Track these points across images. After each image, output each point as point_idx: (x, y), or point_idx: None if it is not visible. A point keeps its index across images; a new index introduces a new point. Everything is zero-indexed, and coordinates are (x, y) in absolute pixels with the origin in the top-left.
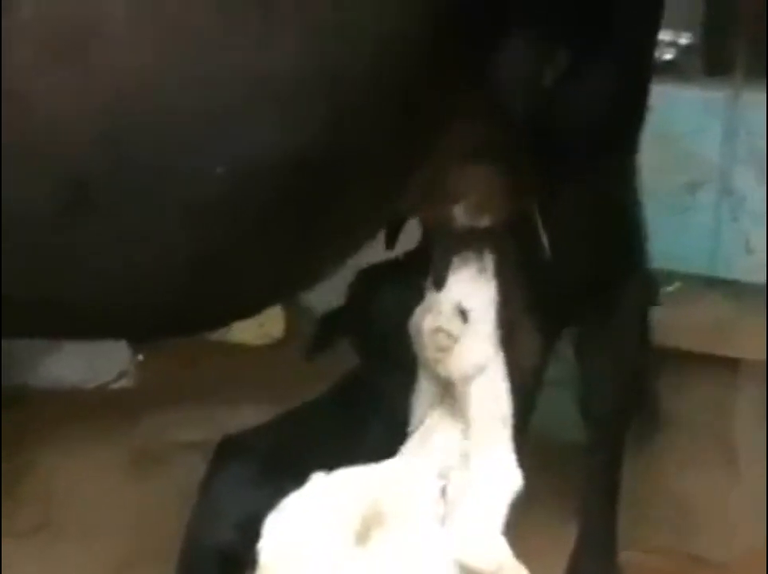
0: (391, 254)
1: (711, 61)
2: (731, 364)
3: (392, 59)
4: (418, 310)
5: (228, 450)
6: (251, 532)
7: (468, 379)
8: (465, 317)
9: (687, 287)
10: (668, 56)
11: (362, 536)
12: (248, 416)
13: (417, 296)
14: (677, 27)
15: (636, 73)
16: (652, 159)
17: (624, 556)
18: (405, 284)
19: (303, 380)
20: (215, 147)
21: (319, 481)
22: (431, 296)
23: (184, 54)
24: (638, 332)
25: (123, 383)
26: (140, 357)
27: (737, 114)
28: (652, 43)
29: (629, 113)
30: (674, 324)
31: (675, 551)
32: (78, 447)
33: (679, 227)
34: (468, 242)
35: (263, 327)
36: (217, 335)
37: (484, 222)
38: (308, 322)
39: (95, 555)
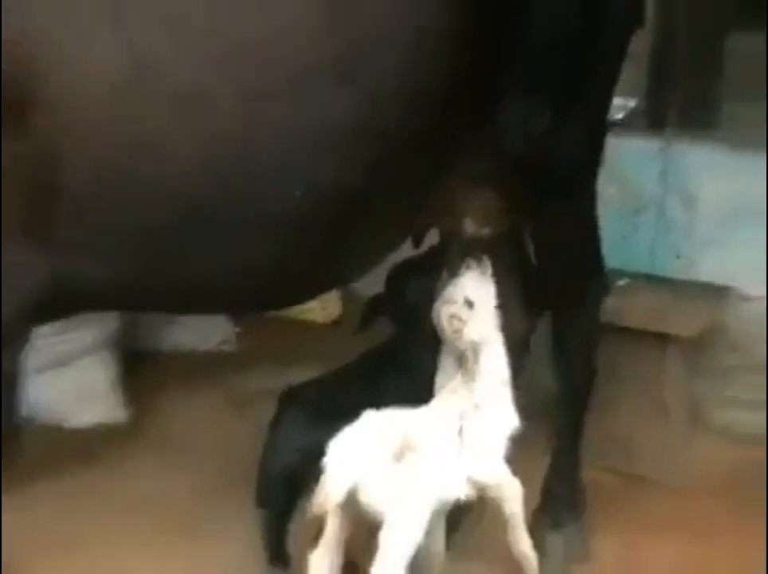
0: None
1: (651, 120)
2: (664, 338)
3: (418, 115)
4: (438, 302)
5: (287, 397)
6: (305, 456)
7: (476, 351)
8: (471, 306)
9: (633, 282)
10: (620, 115)
11: (398, 456)
12: (313, 374)
13: (437, 285)
14: (626, 94)
15: (597, 127)
16: (608, 190)
17: (585, 476)
18: (428, 275)
19: (354, 348)
20: (292, 179)
21: (369, 417)
22: (447, 290)
23: (271, 118)
24: (598, 314)
25: (225, 347)
26: (237, 329)
27: (669, 158)
28: (609, 105)
29: (592, 155)
30: (623, 308)
31: (623, 472)
32: (191, 394)
33: (628, 239)
34: (474, 248)
35: (325, 309)
36: (293, 313)
37: (486, 232)
38: (359, 304)
39: (203, 471)
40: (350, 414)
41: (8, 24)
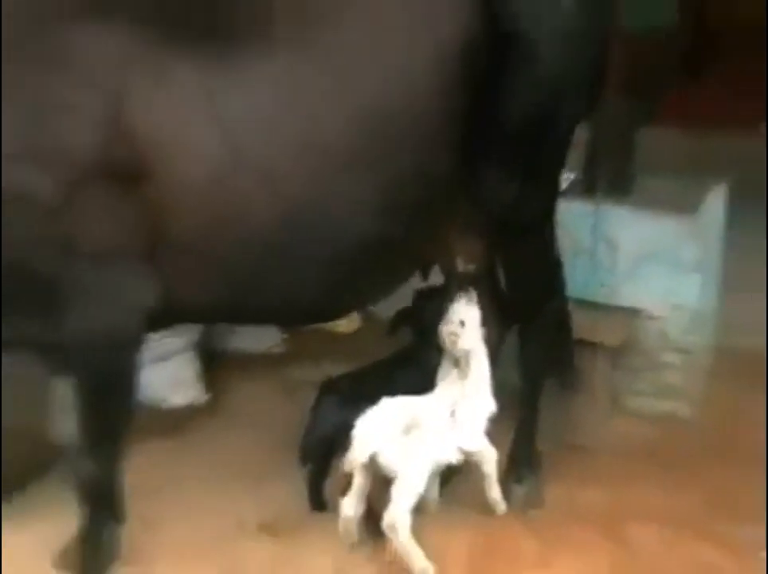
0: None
1: (586, 188)
2: (594, 346)
3: (426, 187)
4: (441, 323)
5: (325, 386)
6: (337, 429)
7: (467, 357)
8: (463, 325)
9: (572, 305)
10: (564, 185)
11: (407, 431)
12: (340, 369)
13: (444, 307)
14: (569, 169)
15: (552, 192)
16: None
17: (540, 445)
18: (438, 299)
19: (369, 352)
20: (340, 232)
21: (386, 402)
22: (447, 314)
23: (326, 190)
24: (555, 328)
25: (275, 349)
26: (284, 336)
27: (598, 216)
28: (560, 176)
29: (548, 212)
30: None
31: (565, 442)
32: (252, 383)
33: (569, 275)
34: (464, 282)
35: (349, 322)
36: (325, 326)
37: (471, 268)
38: (373, 320)
39: (263, 439)
40: (372, 399)
41: (129, 121)
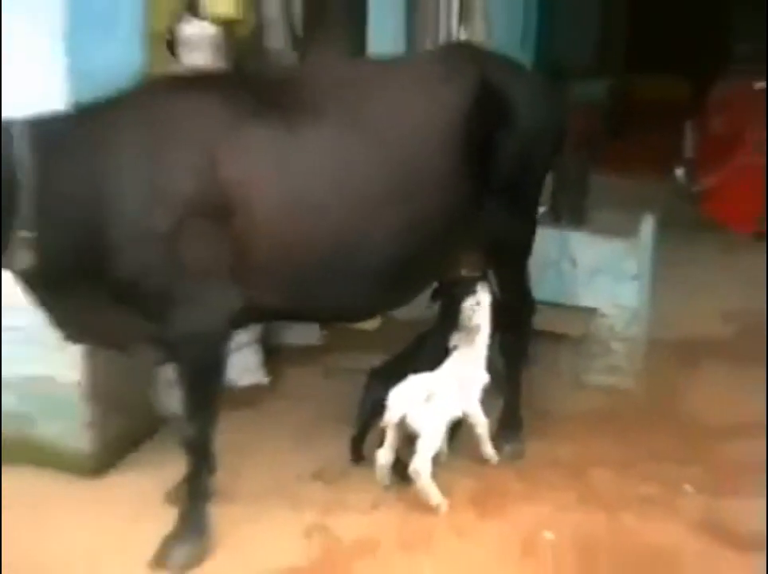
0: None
1: (554, 218)
2: (561, 336)
3: (444, 218)
4: (463, 304)
5: (372, 371)
6: (378, 401)
7: (477, 329)
8: (478, 304)
9: (545, 306)
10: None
11: (427, 399)
12: (366, 358)
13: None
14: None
15: (531, 223)
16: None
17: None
18: (461, 287)
19: (388, 344)
20: (380, 252)
21: (413, 378)
22: (467, 300)
23: (368, 222)
24: (529, 322)
25: (317, 342)
26: (324, 332)
27: (562, 239)
28: (536, 209)
29: (528, 236)
30: (539, 321)
31: (540, 409)
32: (300, 369)
33: (543, 283)
34: (470, 284)
35: (372, 320)
36: (355, 324)
37: (473, 274)
38: (390, 319)
39: (311, 411)
40: (402, 377)
41: (221, 173)
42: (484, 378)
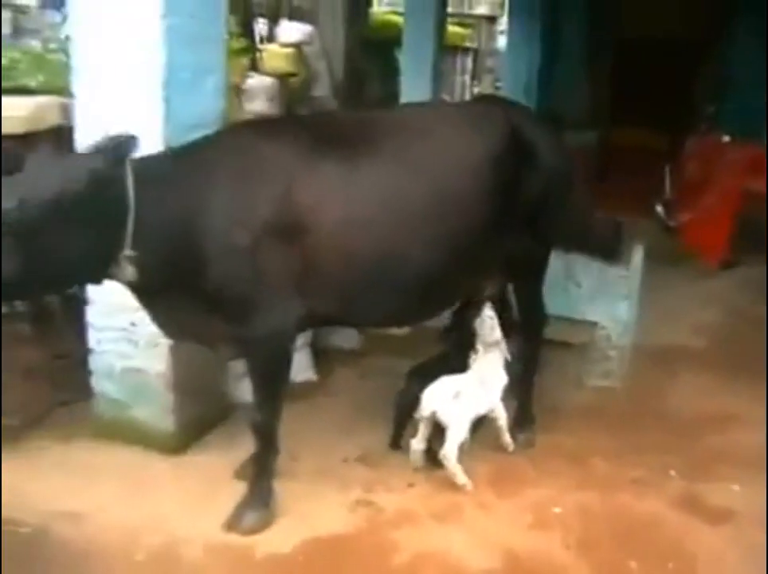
0: None
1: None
2: (566, 344)
3: (474, 241)
4: (479, 321)
5: (410, 371)
6: (415, 398)
7: (494, 345)
8: (492, 326)
9: (553, 319)
10: None
11: (455, 396)
12: (397, 361)
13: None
14: None
15: (548, 247)
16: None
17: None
18: (472, 311)
19: (417, 349)
20: (418, 267)
21: (442, 380)
22: (486, 320)
23: (409, 240)
24: (542, 333)
25: (357, 346)
26: (362, 336)
27: (569, 266)
28: (552, 237)
29: (545, 260)
30: (550, 329)
31: (547, 406)
32: (343, 368)
33: (553, 300)
34: (488, 301)
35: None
36: (388, 330)
37: (494, 291)
38: (418, 327)
39: (349, 405)
40: (435, 377)
41: (295, 199)
42: (504, 379)
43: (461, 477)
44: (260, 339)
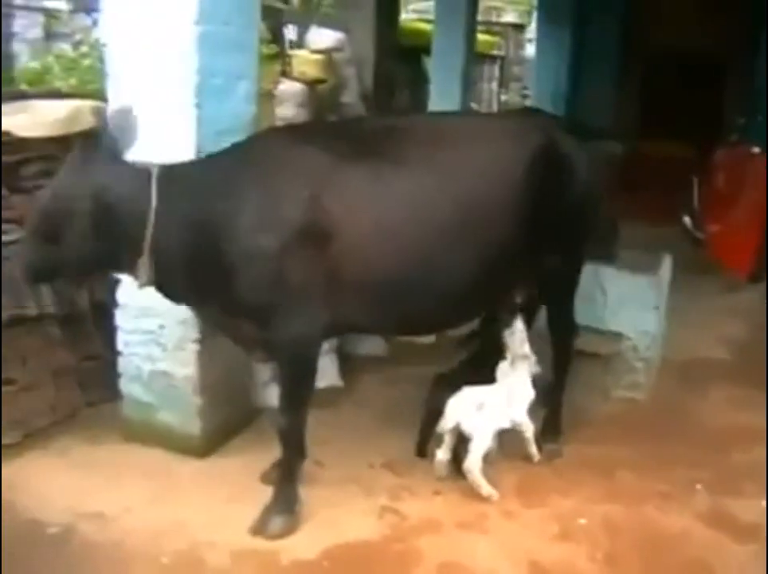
0: None
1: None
2: (594, 355)
3: (506, 258)
4: (509, 334)
5: (436, 377)
6: (441, 406)
7: (523, 358)
8: (522, 339)
9: (583, 330)
10: None
11: (479, 407)
12: (420, 368)
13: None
14: None
15: (580, 262)
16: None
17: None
18: (499, 323)
19: (442, 357)
20: (450, 276)
21: (466, 390)
22: (514, 328)
23: (440, 251)
24: (572, 345)
25: (383, 353)
26: (387, 343)
27: (597, 275)
28: (584, 253)
29: (576, 275)
30: (579, 341)
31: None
32: (368, 375)
33: (580, 311)
34: (516, 312)
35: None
36: (414, 338)
37: (523, 301)
38: (443, 335)
39: (376, 409)
40: (460, 386)
41: (324, 205)
42: (532, 394)
43: (486, 489)
44: (285, 344)
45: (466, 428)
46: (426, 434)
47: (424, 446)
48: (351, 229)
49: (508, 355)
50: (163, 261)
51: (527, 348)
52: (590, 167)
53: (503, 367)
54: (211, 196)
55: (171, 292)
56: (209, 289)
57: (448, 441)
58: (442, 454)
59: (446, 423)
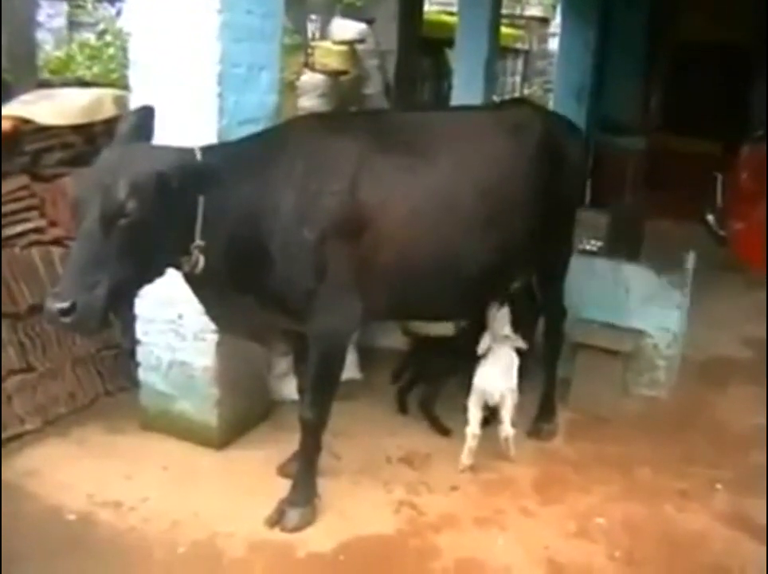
0: None
1: (609, 253)
2: (614, 352)
3: (519, 246)
4: (497, 317)
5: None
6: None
7: (506, 339)
8: (504, 323)
9: (603, 326)
10: (595, 249)
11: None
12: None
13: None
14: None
15: (569, 248)
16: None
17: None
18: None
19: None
20: (469, 265)
21: (484, 369)
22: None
23: (465, 240)
24: (563, 326)
25: (401, 345)
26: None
27: (619, 271)
28: (572, 238)
29: (567, 261)
30: (597, 336)
31: (589, 412)
32: (389, 370)
33: (600, 307)
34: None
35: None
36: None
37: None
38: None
39: (394, 405)
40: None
41: (360, 197)
42: (516, 362)
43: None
44: (321, 334)
45: (493, 397)
46: (406, 392)
47: (405, 403)
48: (385, 220)
49: (488, 336)
50: (212, 246)
51: (507, 329)
52: (581, 155)
53: (483, 344)
54: (251, 183)
55: (209, 281)
56: (249, 278)
57: (479, 416)
58: (473, 430)
59: (476, 398)
